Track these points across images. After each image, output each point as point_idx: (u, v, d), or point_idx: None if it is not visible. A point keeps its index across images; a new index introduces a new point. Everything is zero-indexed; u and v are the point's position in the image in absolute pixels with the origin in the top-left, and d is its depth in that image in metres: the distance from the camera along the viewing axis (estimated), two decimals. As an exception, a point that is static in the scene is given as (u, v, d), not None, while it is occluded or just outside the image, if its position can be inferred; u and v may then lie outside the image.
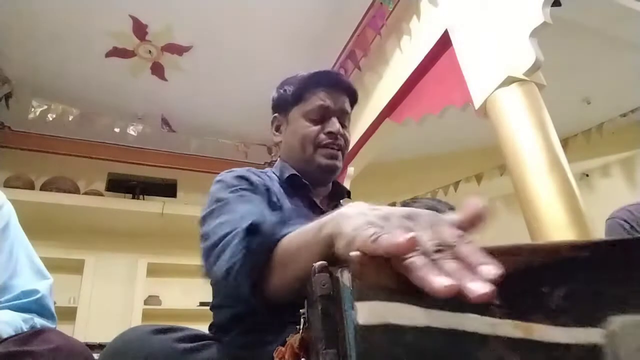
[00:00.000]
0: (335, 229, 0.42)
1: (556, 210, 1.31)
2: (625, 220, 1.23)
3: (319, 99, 0.92)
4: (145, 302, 3.23)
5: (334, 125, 0.91)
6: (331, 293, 0.35)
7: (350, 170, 2.80)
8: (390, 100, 2.32)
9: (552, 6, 1.47)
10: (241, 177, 0.83)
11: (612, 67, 2.97)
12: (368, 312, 0.29)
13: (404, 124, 2.31)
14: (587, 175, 3.57)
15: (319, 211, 0.91)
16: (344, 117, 0.95)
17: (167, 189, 3.52)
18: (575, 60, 2.82)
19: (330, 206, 0.96)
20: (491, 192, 3.62)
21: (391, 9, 2.32)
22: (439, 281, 0.29)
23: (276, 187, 0.89)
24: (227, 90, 3.09)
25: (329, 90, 0.93)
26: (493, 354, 0.29)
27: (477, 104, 1.64)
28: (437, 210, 1.37)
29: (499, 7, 1.65)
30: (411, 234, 0.31)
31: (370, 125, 2.51)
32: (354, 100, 0.98)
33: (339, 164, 0.94)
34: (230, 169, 0.87)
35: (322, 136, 0.91)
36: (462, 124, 2.68)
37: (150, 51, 2.82)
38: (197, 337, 0.64)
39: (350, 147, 2.72)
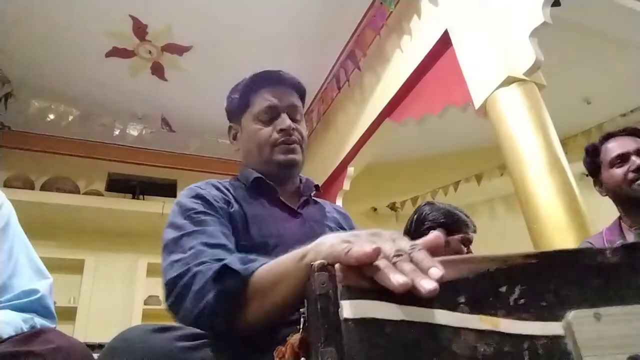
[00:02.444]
0: (315, 254, 0.47)
1: (556, 210, 1.32)
2: None
3: (264, 99, 0.93)
4: (145, 302, 3.23)
5: (284, 122, 0.92)
6: (329, 292, 0.35)
7: (350, 170, 2.81)
8: (390, 100, 2.33)
9: (552, 6, 1.47)
10: (199, 197, 0.83)
11: (612, 67, 2.97)
12: (351, 308, 0.34)
13: (404, 124, 2.32)
14: (587, 175, 3.56)
15: (288, 209, 0.92)
16: (294, 112, 0.95)
17: (167, 189, 3.51)
18: (575, 60, 2.82)
19: (300, 202, 0.95)
20: (491, 192, 3.62)
21: (391, 9, 2.32)
22: (396, 278, 0.36)
23: (240, 195, 0.89)
24: (227, 90, 3.07)
25: (272, 88, 0.94)
26: (465, 343, 0.34)
27: (477, 104, 1.64)
28: (453, 213, 1.36)
29: (499, 7, 1.65)
30: (375, 245, 0.38)
31: (370, 125, 2.52)
32: (302, 93, 0.99)
33: (298, 157, 0.94)
34: (190, 186, 0.88)
35: (276, 135, 0.92)
36: (462, 124, 2.68)
37: (150, 51, 2.82)
38: (198, 335, 0.64)
39: (350, 147, 2.76)
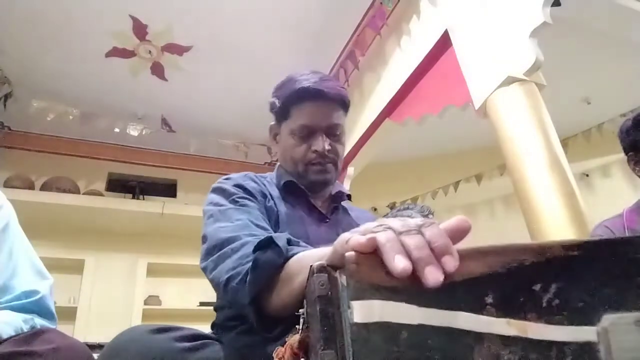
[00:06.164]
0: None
1: (556, 210, 1.31)
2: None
3: (303, 117, 0.89)
4: (145, 302, 3.23)
5: (319, 144, 0.88)
6: (329, 293, 0.35)
7: (350, 170, 2.80)
8: (390, 100, 2.32)
9: (552, 6, 1.47)
10: (239, 186, 0.85)
11: (612, 67, 2.97)
12: (363, 311, 0.30)
13: (404, 124, 2.31)
14: (587, 175, 3.57)
15: (317, 213, 0.92)
16: (333, 130, 0.91)
17: (167, 189, 3.52)
18: (575, 60, 2.82)
19: (330, 208, 0.96)
20: (491, 192, 3.62)
21: (391, 9, 2.32)
22: (397, 262, 0.31)
23: (275, 192, 0.90)
24: (227, 90, 3.09)
25: (314, 104, 0.88)
26: (489, 351, 0.30)
27: (477, 104, 1.64)
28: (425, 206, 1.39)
29: (499, 7, 1.65)
30: (370, 236, 0.33)
31: (370, 125, 2.52)
32: (346, 107, 0.94)
33: (330, 176, 0.92)
34: (228, 176, 0.88)
35: (310, 155, 0.90)
36: (462, 124, 2.68)
37: (150, 51, 2.82)
38: (197, 336, 0.65)
39: (350, 147, 2.76)
